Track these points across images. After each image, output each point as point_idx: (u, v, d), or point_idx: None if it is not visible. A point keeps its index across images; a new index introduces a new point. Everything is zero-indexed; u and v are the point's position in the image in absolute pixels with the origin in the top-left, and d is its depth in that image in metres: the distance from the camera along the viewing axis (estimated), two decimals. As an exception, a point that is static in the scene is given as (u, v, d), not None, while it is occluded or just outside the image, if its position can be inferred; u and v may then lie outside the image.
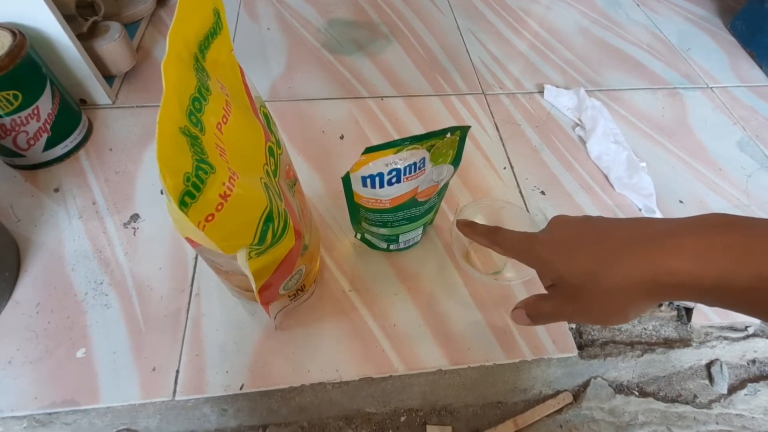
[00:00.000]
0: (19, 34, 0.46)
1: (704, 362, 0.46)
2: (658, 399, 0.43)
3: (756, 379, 0.46)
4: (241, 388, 0.39)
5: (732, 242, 0.19)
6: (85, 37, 0.56)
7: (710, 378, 0.45)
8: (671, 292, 0.20)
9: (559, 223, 0.27)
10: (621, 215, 0.55)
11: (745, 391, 0.44)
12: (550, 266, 0.25)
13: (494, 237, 0.31)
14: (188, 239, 0.26)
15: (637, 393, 0.44)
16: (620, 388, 0.44)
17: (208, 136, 0.24)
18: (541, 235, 0.27)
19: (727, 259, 0.18)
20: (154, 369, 0.39)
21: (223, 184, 0.23)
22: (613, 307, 0.22)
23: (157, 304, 0.43)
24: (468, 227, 0.35)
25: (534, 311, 0.27)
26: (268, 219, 0.27)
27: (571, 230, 0.25)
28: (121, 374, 0.39)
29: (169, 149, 0.19)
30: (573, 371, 0.44)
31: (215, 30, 0.27)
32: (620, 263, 0.21)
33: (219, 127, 0.25)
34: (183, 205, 0.20)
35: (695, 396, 0.44)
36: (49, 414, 0.37)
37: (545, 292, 0.29)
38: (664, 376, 0.45)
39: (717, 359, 0.46)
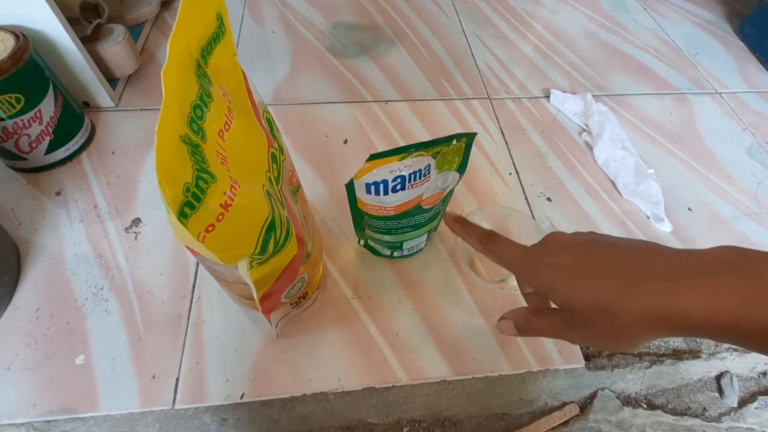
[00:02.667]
0: (23, 36, 0.46)
1: (714, 374, 0.45)
2: (666, 412, 0.42)
3: (767, 392, 0.45)
4: (241, 397, 0.38)
5: (745, 285, 0.18)
6: (89, 40, 0.55)
7: (720, 391, 0.44)
8: (684, 331, 0.20)
9: (560, 243, 0.26)
10: (629, 223, 0.54)
11: (755, 404, 0.43)
12: (557, 293, 0.24)
13: (490, 245, 0.29)
14: (188, 248, 0.26)
15: (645, 405, 0.43)
16: (628, 401, 0.43)
17: (210, 144, 0.23)
18: (546, 257, 0.25)
19: (740, 304, 0.18)
20: (153, 376, 0.39)
21: (224, 193, 0.22)
22: (623, 339, 0.22)
23: (158, 310, 0.43)
24: (459, 225, 0.32)
25: (526, 325, 0.27)
26: (270, 228, 0.26)
27: (577, 254, 0.24)
28: (120, 382, 0.38)
29: (169, 159, 0.19)
30: (579, 383, 0.43)
31: (218, 35, 0.27)
32: (633, 299, 0.21)
33: (221, 134, 0.25)
34: (182, 216, 0.20)
35: (705, 409, 0.43)
36: (48, 422, 0.37)
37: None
38: (672, 389, 0.44)
39: (727, 371, 0.45)
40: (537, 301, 0.30)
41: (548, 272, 0.24)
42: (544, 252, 0.26)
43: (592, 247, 0.24)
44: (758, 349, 0.19)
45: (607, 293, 0.22)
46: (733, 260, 0.20)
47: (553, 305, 0.25)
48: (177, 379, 0.39)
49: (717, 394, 0.44)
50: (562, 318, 0.25)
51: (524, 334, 0.27)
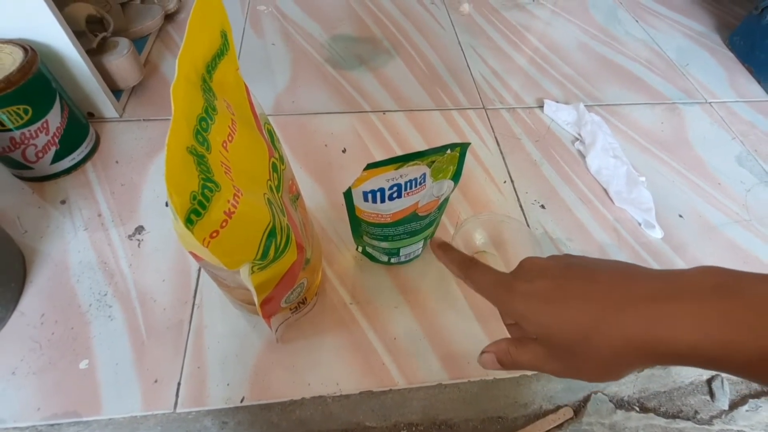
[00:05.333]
0: (31, 49, 0.47)
1: (705, 378, 0.46)
2: (658, 415, 0.43)
3: (757, 395, 0.45)
4: (241, 401, 0.39)
5: (731, 311, 0.18)
6: (95, 53, 0.57)
7: (711, 394, 0.45)
8: (670, 359, 0.19)
9: (535, 269, 0.24)
10: (621, 229, 0.55)
11: (746, 407, 0.44)
12: (533, 321, 0.23)
13: (468, 271, 0.28)
14: (192, 253, 0.27)
15: (637, 408, 0.43)
16: (621, 404, 0.44)
17: (214, 155, 0.24)
18: (521, 285, 0.24)
19: (727, 332, 0.17)
20: (155, 381, 0.40)
21: (228, 201, 0.23)
22: (606, 369, 0.21)
23: (160, 316, 0.43)
24: (442, 250, 0.31)
25: (507, 359, 0.25)
26: (271, 235, 0.27)
27: (553, 280, 0.23)
28: (123, 386, 0.39)
29: (177, 169, 0.20)
30: (573, 386, 0.44)
31: (222, 51, 0.28)
32: (613, 328, 0.20)
33: (224, 145, 0.26)
34: (189, 222, 0.21)
35: (696, 412, 0.44)
36: (51, 425, 0.37)
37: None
38: (664, 392, 0.45)
39: (718, 375, 0.46)
40: (519, 332, 0.27)
41: (523, 300, 0.23)
42: (519, 279, 0.24)
43: (569, 272, 0.23)
44: (749, 377, 0.18)
45: (586, 319, 0.20)
46: (714, 284, 0.19)
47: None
48: (178, 383, 0.40)
49: (708, 397, 0.45)
50: (542, 349, 0.23)
51: (507, 368, 0.25)
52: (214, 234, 0.23)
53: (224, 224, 0.23)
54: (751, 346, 0.17)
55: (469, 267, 0.28)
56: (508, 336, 0.27)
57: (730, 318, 0.18)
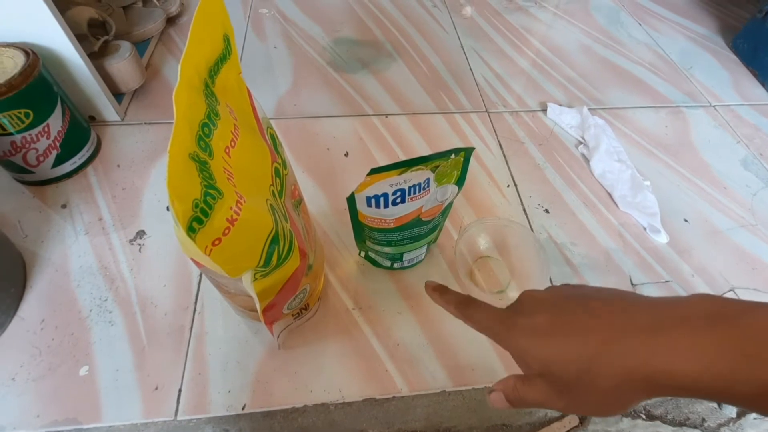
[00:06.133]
0: (32, 53, 0.47)
1: (712, 385, 0.45)
2: (665, 422, 0.43)
3: (765, 402, 0.45)
4: (243, 408, 0.39)
5: (726, 341, 0.18)
6: (96, 56, 0.57)
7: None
8: (672, 391, 0.19)
9: (534, 303, 0.24)
10: (625, 234, 0.55)
11: (754, 415, 0.44)
12: (535, 357, 0.22)
13: (466, 310, 0.28)
14: (193, 260, 0.26)
15: (644, 416, 0.43)
16: (627, 411, 0.43)
17: (217, 161, 0.24)
18: (520, 319, 0.24)
19: (724, 363, 0.17)
20: (156, 388, 0.39)
21: (231, 208, 0.23)
22: (609, 402, 0.21)
23: (161, 322, 0.43)
24: (437, 293, 0.31)
25: (515, 397, 0.24)
26: (274, 241, 0.27)
27: (552, 313, 0.23)
28: (123, 393, 0.39)
29: (179, 176, 0.20)
30: (578, 393, 0.43)
31: (225, 55, 0.28)
32: (613, 360, 0.20)
33: (227, 150, 0.26)
34: (191, 230, 0.20)
35: (704, 420, 0.43)
36: (51, 433, 0.37)
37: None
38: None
39: (725, 382, 0.45)
40: (525, 368, 0.26)
41: (523, 335, 0.23)
42: (518, 313, 0.24)
43: (568, 304, 0.23)
44: (750, 409, 0.18)
45: (586, 352, 0.20)
46: (709, 312, 0.19)
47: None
48: (179, 390, 0.39)
49: (716, 405, 0.44)
50: (546, 385, 0.22)
51: (515, 406, 0.24)
52: (217, 242, 0.22)
53: (227, 232, 0.23)
54: (751, 379, 0.17)
55: (467, 306, 0.28)
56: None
57: (725, 348, 0.17)
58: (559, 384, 0.22)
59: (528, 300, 0.25)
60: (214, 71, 0.26)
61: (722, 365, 0.17)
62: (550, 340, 0.22)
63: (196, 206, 0.20)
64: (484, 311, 0.27)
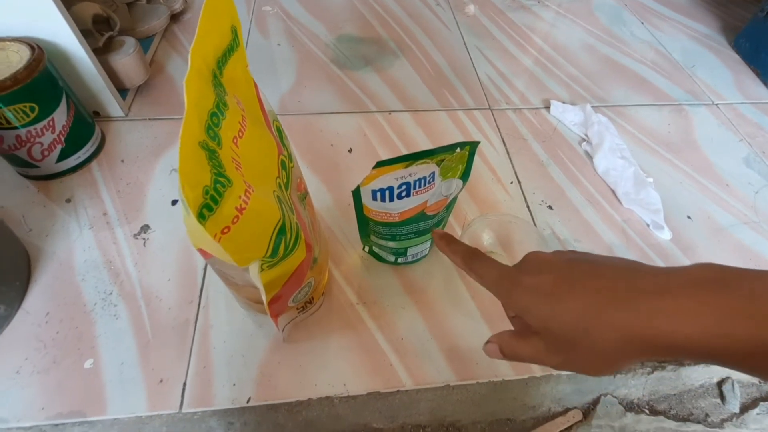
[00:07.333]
0: (38, 48, 0.47)
1: (716, 380, 0.45)
2: (669, 417, 0.43)
3: (768, 398, 0.45)
4: (248, 402, 0.39)
5: (728, 304, 0.18)
6: (101, 52, 0.57)
7: (722, 396, 0.44)
8: (666, 352, 0.19)
9: (539, 263, 0.24)
10: (629, 230, 0.55)
11: (757, 410, 0.44)
12: (534, 314, 0.23)
13: (472, 263, 0.28)
14: (200, 250, 0.26)
15: (647, 411, 0.43)
16: (630, 406, 0.43)
17: (225, 150, 0.24)
18: (524, 278, 0.24)
19: (724, 324, 0.18)
20: (161, 381, 0.39)
21: (239, 197, 0.23)
22: (604, 362, 0.21)
23: (166, 315, 0.43)
24: (445, 242, 0.31)
25: (509, 351, 0.25)
26: (281, 232, 0.27)
27: (556, 274, 0.23)
28: (128, 386, 0.39)
29: (190, 163, 0.20)
30: (583, 388, 0.43)
31: (232, 47, 0.28)
32: (613, 320, 0.20)
33: (235, 141, 0.26)
34: (201, 217, 0.20)
35: (707, 415, 0.44)
36: (56, 425, 0.37)
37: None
38: (674, 394, 0.44)
39: (728, 377, 0.45)
40: (522, 325, 0.27)
41: (526, 293, 0.23)
42: (522, 272, 0.24)
43: (573, 266, 0.23)
44: (745, 370, 0.18)
45: (586, 312, 0.21)
46: (713, 278, 0.19)
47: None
48: (184, 384, 0.39)
49: (719, 400, 0.44)
50: (542, 342, 0.23)
51: (508, 359, 0.26)
52: (226, 230, 0.22)
53: (236, 220, 0.23)
54: (749, 338, 0.17)
55: (473, 259, 0.28)
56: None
57: (727, 310, 0.18)
58: (557, 342, 0.22)
59: (534, 260, 0.25)
60: (222, 62, 0.27)
61: (720, 326, 0.18)
62: (552, 300, 0.22)
63: (206, 193, 0.20)
64: (489, 266, 0.27)
